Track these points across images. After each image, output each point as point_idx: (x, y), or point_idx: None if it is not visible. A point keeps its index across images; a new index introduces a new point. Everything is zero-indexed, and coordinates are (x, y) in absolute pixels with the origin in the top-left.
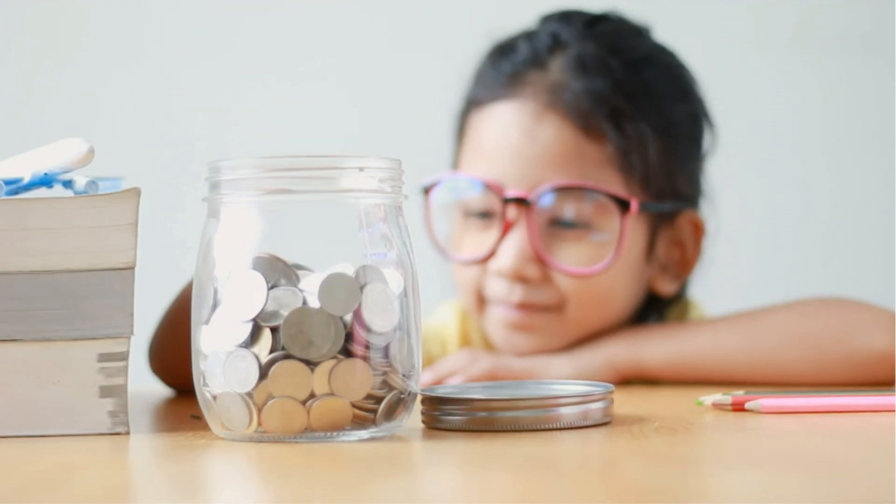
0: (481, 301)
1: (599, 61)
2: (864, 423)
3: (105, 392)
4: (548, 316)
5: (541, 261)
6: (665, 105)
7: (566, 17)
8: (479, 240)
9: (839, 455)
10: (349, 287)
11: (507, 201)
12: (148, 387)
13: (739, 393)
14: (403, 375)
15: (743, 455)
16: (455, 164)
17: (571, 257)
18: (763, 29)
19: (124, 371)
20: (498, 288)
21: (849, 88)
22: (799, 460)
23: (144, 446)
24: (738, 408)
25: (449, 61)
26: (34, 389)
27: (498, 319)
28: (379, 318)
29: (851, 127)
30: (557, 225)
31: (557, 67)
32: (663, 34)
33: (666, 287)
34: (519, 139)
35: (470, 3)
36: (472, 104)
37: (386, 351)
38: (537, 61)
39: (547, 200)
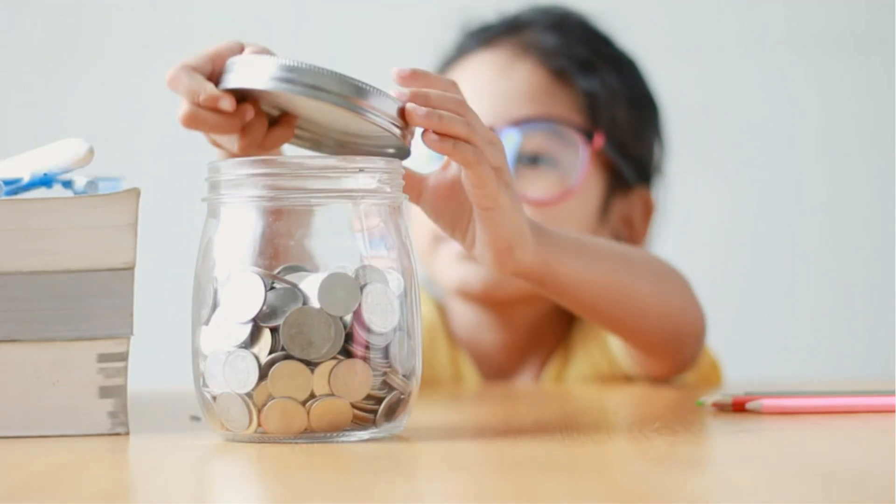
0: (436, 241)
1: (574, 26)
2: (864, 423)
3: (105, 392)
4: None
5: None
6: (633, 80)
7: (541, 8)
8: None
9: (839, 455)
10: (349, 287)
11: None
12: (148, 387)
13: (740, 393)
14: (403, 376)
15: (743, 455)
16: None
17: (534, 190)
18: (756, 29)
19: (124, 371)
20: None
21: (843, 88)
22: (799, 460)
23: (144, 447)
24: (739, 408)
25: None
26: (34, 389)
27: (451, 253)
28: (379, 318)
29: (845, 127)
30: (523, 161)
31: (533, 32)
32: (658, 34)
33: None
34: (492, 77)
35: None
36: (446, 65)
37: (386, 351)
38: (512, 27)
39: (514, 134)
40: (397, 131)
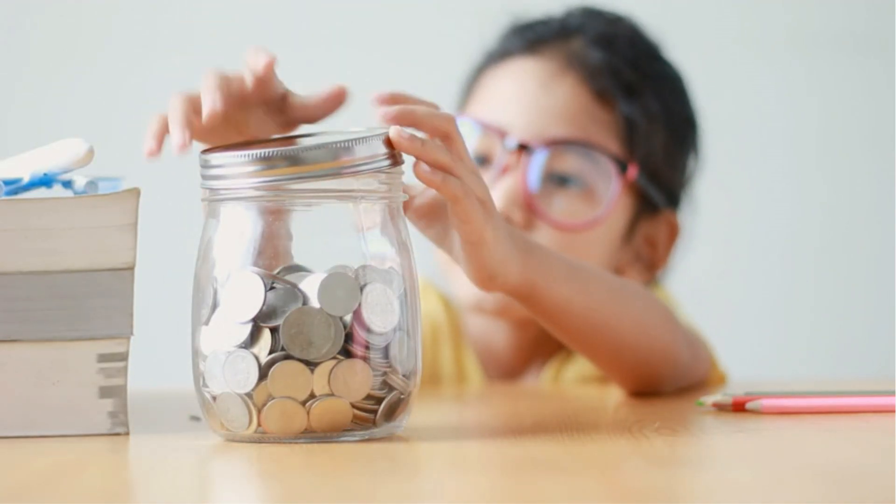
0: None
1: (623, 40)
2: (864, 423)
3: (105, 392)
4: None
5: (529, 207)
6: (674, 103)
7: (590, 12)
8: None
9: (839, 455)
10: (349, 287)
11: (508, 147)
12: (148, 387)
13: (740, 393)
14: (404, 376)
15: (743, 455)
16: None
17: (558, 212)
18: (756, 29)
19: (124, 371)
20: None
21: (843, 89)
22: (799, 460)
23: (144, 447)
24: (739, 408)
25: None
26: (34, 389)
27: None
28: (379, 318)
29: (845, 127)
30: (553, 179)
31: (580, 40)
32: (657, 34)
33: (635, 277)
34: (534, 90)
35: None
36: (489, 61)
37: (386, 351)
38: (563, 32)
39: (548, 152)
40: (387, 163)
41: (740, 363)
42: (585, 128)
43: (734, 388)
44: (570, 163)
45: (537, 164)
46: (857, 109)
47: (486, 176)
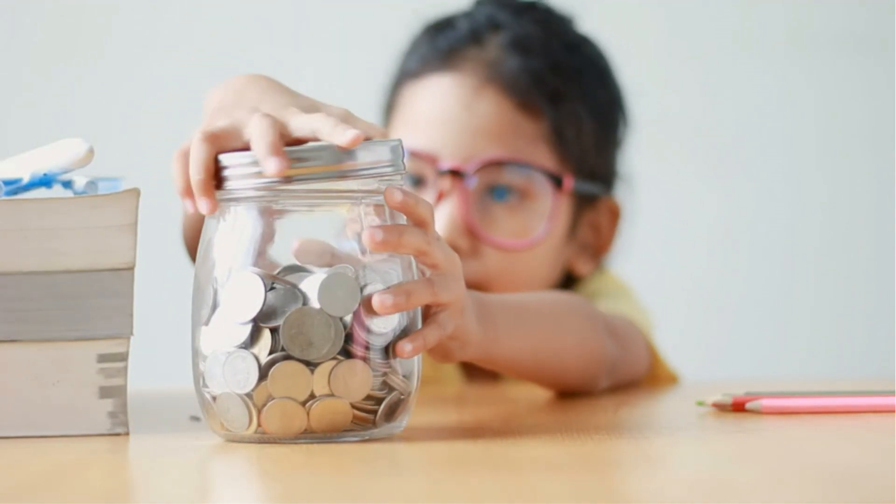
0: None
1: (538, 41)
2: (864, 423)
3: (105, 392)
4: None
5: (472, 233)
6: (593, 89)
7: (499, 1)
8: None
9: (839, 456)
10: (349, 288)
11: (441, 173)
12: (148, 387)
13: (740, 393)
14: (404, 376)
15: (743, 455)
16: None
17: (501, 232)
18: (756, 29)
19: (124, 371)
20: None
21: (842, 89)
22: (799, 460)
23: (144, 447)
24: (739, 408)
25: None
26: (34, 390)
27: None
28: (379, 318)
29: (845, 127)
30: (489, 199)
31: (495, 45)
32: (657, 34)
33: (583, 268)
34: (457, 111)
35: None
36: (406, 76)
37: (386, 352)
38: (475, 38)
39: (480, 173)
40: (390, 169)
41: (740, 363)
42: (514, 144)
43: (734, 388)
44: (505, 177)
45: (474, 188)
46: (857, 109)
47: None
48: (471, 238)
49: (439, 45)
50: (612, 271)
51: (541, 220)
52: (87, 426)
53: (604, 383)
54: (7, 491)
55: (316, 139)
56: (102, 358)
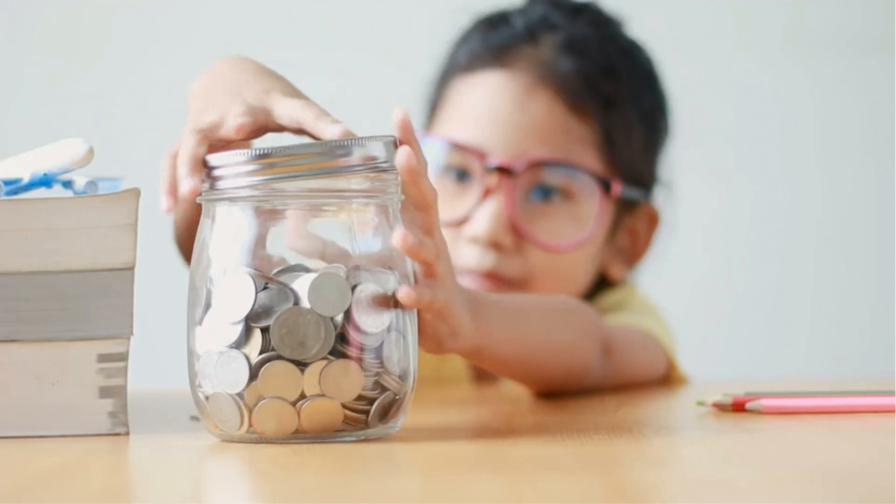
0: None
1: (592, 44)
2: (864, 423)
3: (105, 392)
4: (511, 292)
5: (516, 231)
6: (643, 94)
7: (553, 1)
8: (453, 203)
9: (839, 455)
10: (339, 288)
11: (489, 169)
12: (148, 387)
13: (740, 393)
14: (398, 377)
15: (743, 455)
16: (427, 127)
17: (545, 231)
18: (755, 29)
19: (124, 371)
20: (470, 255)
21: (842, 89)
22: (799, 460)
23: (144, 447)
24: (739, 408)
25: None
26: (34, 389)
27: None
28: (370, 318)
29: (844, 127)
30: (535, 198)
31: (549, 45)
32: (656, 34)
33: (618, 272)
34: (509, 109)
35: None
36: (456, 70)
37: (379, 352)
38: (530, 36)
39: (527, 172)
40: (386, 165)
41: (740, 363)
42: (565, 146)
43: (734, 388)
44: (553, 179)
45: (520, 186)
46: (856, 109)
47: (468, 193)
48: (515, 236)
49: (493, 41)
50: (640, 289)
51: (583, 222)
52: (87, 426)
53: (585, 386)
54: (7, 491)
55: (299, 127)
56: (102, 358)
